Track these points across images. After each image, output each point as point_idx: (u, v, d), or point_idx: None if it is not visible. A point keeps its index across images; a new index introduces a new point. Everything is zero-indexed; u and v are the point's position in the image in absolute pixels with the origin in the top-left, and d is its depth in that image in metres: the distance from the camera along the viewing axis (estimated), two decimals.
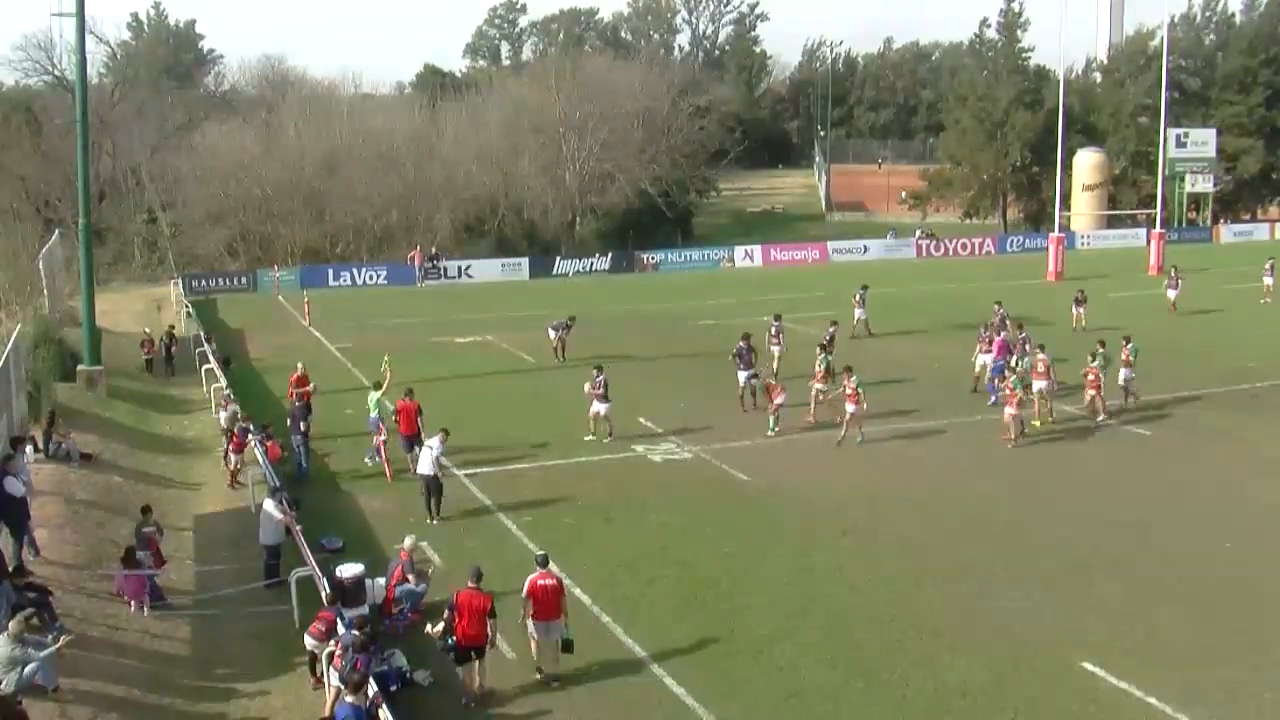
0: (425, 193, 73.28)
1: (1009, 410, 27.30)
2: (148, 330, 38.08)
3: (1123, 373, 30.19)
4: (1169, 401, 31.19)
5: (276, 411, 28.89)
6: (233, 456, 24.93)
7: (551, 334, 37.98)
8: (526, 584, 15.76)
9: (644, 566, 19.93)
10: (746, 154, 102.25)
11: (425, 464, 22.49)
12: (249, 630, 17.68)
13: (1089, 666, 15.90)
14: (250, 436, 24.89)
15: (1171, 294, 45.85)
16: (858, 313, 41.65)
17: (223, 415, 27.42)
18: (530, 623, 15.71)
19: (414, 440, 24.41)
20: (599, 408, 27.91)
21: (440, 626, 15.66)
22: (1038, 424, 28.54)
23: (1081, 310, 42.32)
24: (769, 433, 28.05)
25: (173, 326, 40.70)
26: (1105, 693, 15.30)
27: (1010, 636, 17.00)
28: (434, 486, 22.40)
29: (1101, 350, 29.76)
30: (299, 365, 29.69)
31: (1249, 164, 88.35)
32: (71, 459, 24.85)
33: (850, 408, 27.11)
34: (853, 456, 26.62)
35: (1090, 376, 29.07)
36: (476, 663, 15.38)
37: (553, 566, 16.26)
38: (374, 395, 26.41)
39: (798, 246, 73.06)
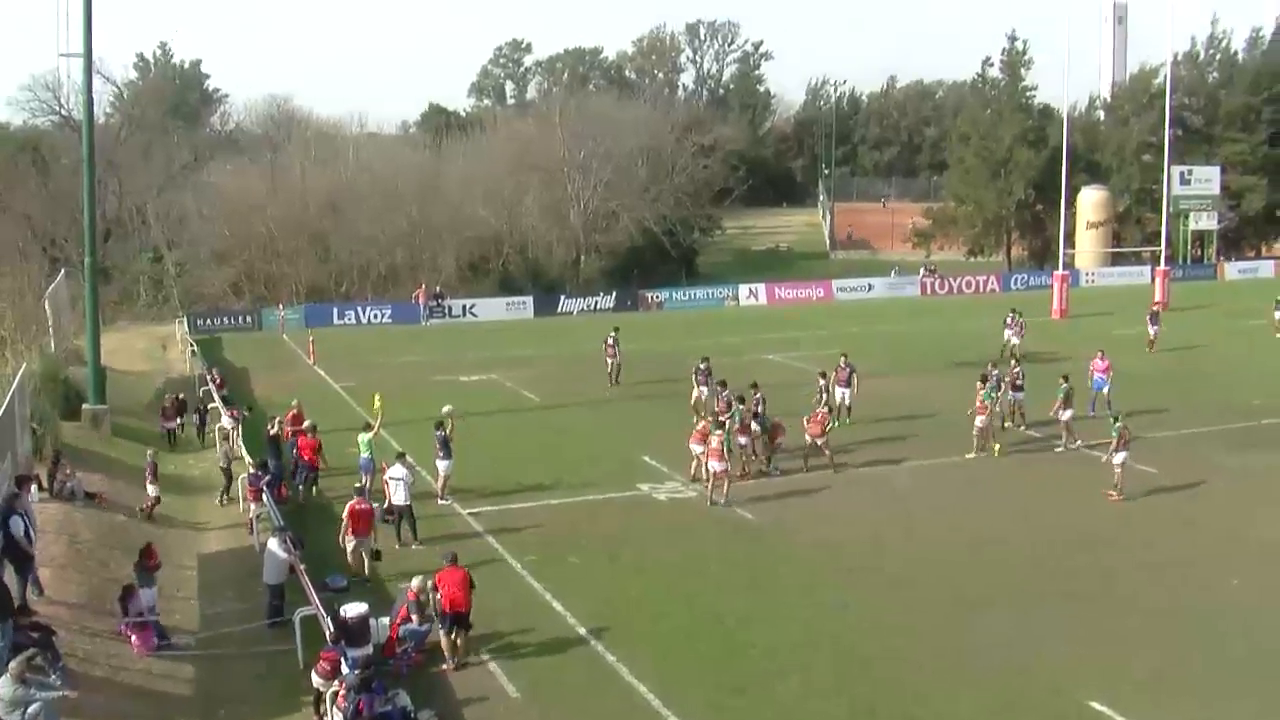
0: (430, 231, 73.52)
1: (979, 420, 29.25)
2: (181, 396, 34.78)
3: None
4: (1175, 438, 31.11)
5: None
6: (252, 505, 24.35)
7: (609, 361, 39.97)
8: (347, 508, 21.15)
9: (649, 604, 19.87)
10: (751, 192, 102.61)
11: (400, 494, 22.96)
12: (253, 670, 17.60)
13: (1096, 705, 15.77)
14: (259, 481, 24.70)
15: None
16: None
17: (222, 440, 27.38)
18: (351, 538, 21.00)
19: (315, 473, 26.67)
20: (439, 465, 25.93)
21: (430, 608, 17.94)
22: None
23: (1012, 334, 42.99)
24: (772, 470, 27.99)
25: (180, 396, 35.40)
26: None
27: (1016, 672, 16.90)
28: (407, 514, 22.99)
29: (1064, 384, 30.30)
30: (294, 403, 30.09)
31: (1253, 201, 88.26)
32: (76, 498, 24.80)
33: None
34: (857, 493, 26.59)
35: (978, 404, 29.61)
36: (459, 636, 17.50)
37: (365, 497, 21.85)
38: (365, 437, 26.29)
39: (802, 284, 73.17)
